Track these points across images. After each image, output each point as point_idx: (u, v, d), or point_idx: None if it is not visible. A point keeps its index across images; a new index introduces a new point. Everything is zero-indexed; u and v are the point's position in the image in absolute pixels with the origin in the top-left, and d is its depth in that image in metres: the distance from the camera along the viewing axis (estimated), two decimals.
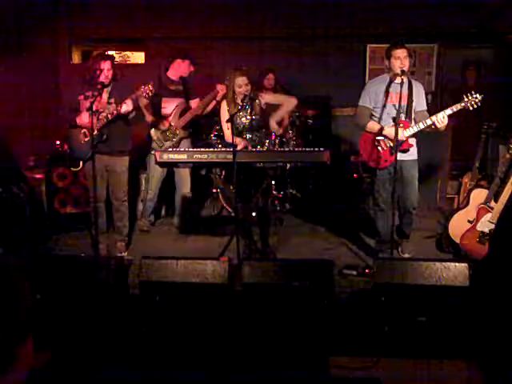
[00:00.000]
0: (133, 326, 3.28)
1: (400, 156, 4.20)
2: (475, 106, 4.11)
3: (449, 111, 4.13)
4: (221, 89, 5.07)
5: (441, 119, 4.12)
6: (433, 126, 4.20)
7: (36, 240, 4.95)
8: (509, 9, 6.14)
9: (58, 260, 3.83)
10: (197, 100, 5.33)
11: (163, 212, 6.02)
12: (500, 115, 5.66)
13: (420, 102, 4.34)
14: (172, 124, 5.22)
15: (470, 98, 4.10)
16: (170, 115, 5.23)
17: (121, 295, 3.53)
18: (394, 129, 4.13)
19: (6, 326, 1.03)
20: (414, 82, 4.35)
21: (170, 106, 5.22)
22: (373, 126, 4.38)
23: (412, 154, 4.38)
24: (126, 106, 4.34)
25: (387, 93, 4.28)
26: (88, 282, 3.45)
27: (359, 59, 6.89)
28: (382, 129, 4.32)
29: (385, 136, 4.31)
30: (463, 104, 4.11)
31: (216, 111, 5.58)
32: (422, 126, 4.21)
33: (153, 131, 5.27)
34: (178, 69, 5.27)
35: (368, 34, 6.66)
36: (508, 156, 4.44)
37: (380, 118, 4.34)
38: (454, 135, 6.28)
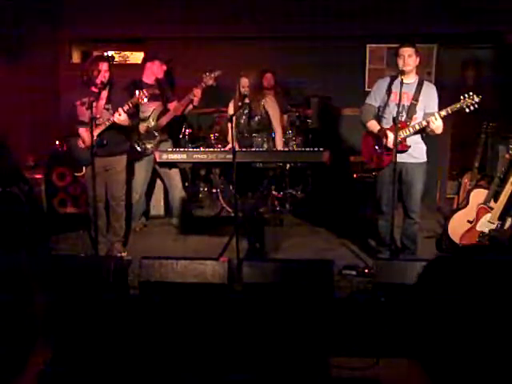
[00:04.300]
0: (132, 327, 3.28)
1: (401, 158, 4.06)
2: (472, 108, 3.90)
3: (443, 112, 3.94)
4: (196, 92, 5.08)
5: (434, 121, 3.93)
6: (429, 130, 4.02)
7: (36, 240, 4.95)
8: (508, 9, 6.13)
9: (58, 260, 3.83)
10: (174, 103, 5.34)
11: (162, 212, 5.99)
12: (500, 115, 5.66)
13: (430, 104, 4.11)
14: (151, 125, 5.24)
15: (468, 99, 3.89)
16: (149, 118, 5.27)
17: (120, 295, 3.53)
18: (388, 128, 4.07)
19: (18, 329, 1.01)
20: (425, 83, 4.17)
21: (147, 110, 5.25)
22: (372, 124, 4.28)
23: (415, 157, 4.19)
24: (119, 117, 4.34)
25: (390, 91, 4.16)
26: (88, 282, 3.45)
27: (359, 59, 6.89)
28: (380, 129, 4.20)
29: (381, 135, 4.18)
30: (459, 105, 3.91)
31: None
32: (417, 127, 4.05)
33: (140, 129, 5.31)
34: (151, 71, 5.29)
35: (368, 34, 6.65)
36: (508, 156, 4.43)
37: (383, 117, 4.23)
38: (454, 135, 6.28)
